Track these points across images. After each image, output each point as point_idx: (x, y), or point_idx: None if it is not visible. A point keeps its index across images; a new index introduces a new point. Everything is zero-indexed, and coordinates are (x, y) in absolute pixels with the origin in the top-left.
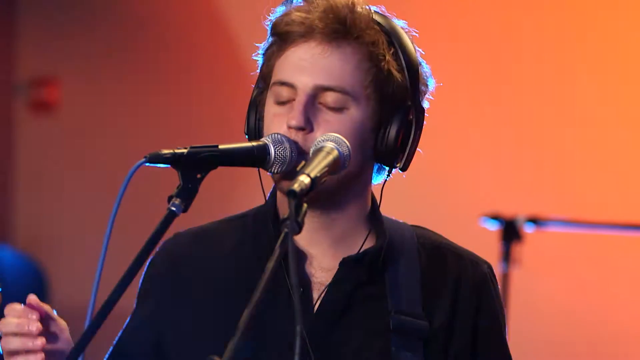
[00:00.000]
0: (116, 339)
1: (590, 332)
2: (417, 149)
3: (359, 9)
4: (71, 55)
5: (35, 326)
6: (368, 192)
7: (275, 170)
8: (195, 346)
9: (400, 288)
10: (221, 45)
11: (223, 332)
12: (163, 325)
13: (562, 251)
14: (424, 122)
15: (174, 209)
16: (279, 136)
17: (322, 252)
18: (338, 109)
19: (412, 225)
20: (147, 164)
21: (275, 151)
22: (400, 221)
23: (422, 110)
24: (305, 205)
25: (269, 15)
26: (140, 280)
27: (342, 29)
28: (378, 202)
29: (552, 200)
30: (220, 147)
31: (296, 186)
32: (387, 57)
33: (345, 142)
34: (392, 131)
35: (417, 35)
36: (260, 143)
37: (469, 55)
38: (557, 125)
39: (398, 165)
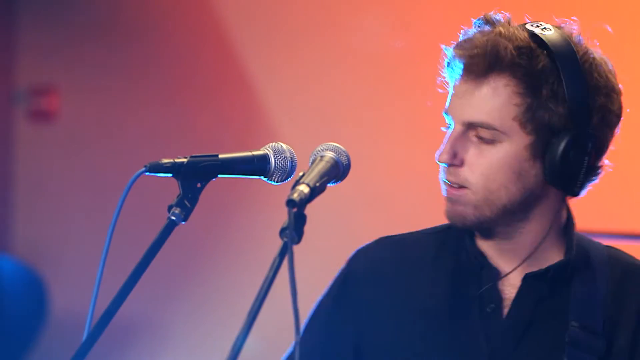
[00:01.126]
0: (303, 339)
1: None
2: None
3: (518, 36)
4: (70, 64)
5: None
6: (552, 211)
7: (276, 180)
8: (389, 353)
9: (583, 304)
10: (223, 54)
11: (415, 345)
12: (364, 327)
13: None
14: (605, 140)
15: (174, 218)
16: (279, 145)
17: (511, 268)
18: (490, 141)
19: (606, 246)
20: (147, 174)
21: (275, 161)
22: (595, 240)
23: (590, 135)
24: (304, 214)
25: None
26: (336, 280)
27: (493, 63)
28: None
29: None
30: (221, 156)
31: (295, 196)
32: (543, 90)
33: (344, 151)
34: (555, 158)
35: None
36: (260, 152)
37: None
38: None
39: (575, 189)
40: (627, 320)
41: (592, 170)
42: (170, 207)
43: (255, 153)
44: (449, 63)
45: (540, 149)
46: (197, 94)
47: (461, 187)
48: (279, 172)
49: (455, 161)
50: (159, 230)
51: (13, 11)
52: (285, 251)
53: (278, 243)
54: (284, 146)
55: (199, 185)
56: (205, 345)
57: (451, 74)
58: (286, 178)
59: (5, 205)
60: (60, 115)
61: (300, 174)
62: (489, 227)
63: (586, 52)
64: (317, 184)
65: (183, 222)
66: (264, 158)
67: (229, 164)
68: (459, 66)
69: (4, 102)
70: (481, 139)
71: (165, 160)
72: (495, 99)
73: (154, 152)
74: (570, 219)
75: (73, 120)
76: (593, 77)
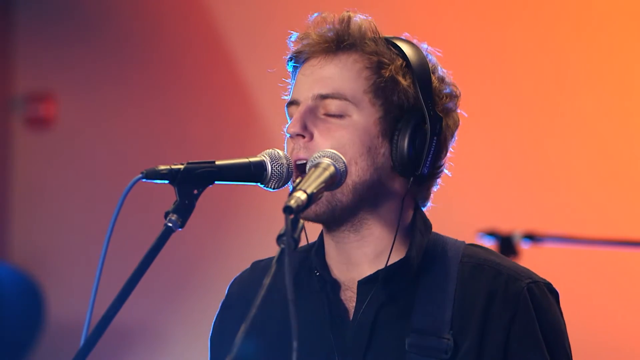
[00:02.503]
0: None
1: (587, 347)
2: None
3: (357, 20)
4: (67, 71)
5: None
6: (398, 207)
7: (272, 187)
8: None
9: (429, 307)
10: (219, 60)
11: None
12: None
13: (558, 267)
14: (447, 133)
15: (170, 224)
16: (276, 152)
17: (360, 273)
18: (339, 116)
19: (468, 244)
20: (144, 180)
21: (272, 167)
22: (454, 239)
23: (439, 118)
24: (301, 221)
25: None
26: (218, 310)
27: (337, 40)
28: (409, 215)
29: (548, 216)
30: (217, 163)
31: (292, 202)
32: (391, 66)
33: (341, 158)
34: (403, 138)
35: (439, 54)
36: (257, 159)
37: (464, 70)
38: (554, 141)
39: (416, 173)
40: (474, 320)
41: (437, 156)
42: (166, 214)
43: (251, 159)
44: (293, 55)
45: (389, 129)
46: (194, 100)
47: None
48: (275, 178)
49: (305, 133)
50: (155, 237)
51: (11, 19)
52: (282, 257)
53: (275, 249)
54: (281, 152)
55: (195, 191)
56: (202, 350)
57: (296, 63)
58: (282, 184)
59: (2, 212)
60: (58, 122)
61: (297, 180)
62: (340, 215)
63: (430, 60)
64: (314, 191)
65: (180, 229)
66: (261, 164)
67: (226, 171)
68: (305, 53)
69: (1, 109)
70: (330, 116)
71: (162, 167)
72: (345, 72)
73: (150, 159)
74: (417, 219)
75: (70, 127)
76: (437, 69)
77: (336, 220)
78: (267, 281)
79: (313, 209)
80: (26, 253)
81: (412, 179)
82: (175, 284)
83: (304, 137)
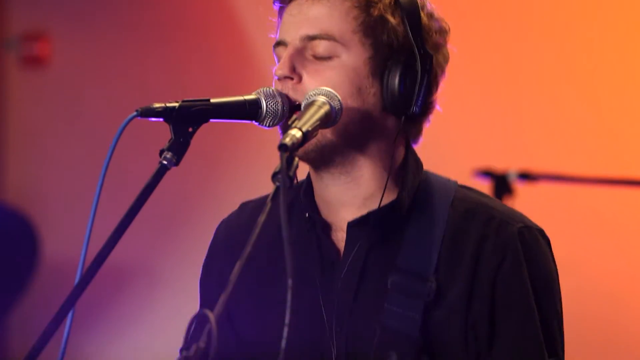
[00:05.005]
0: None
1: (580, 286)
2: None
3: None
4: (62, 10)
5: None
6: (389, 147)
7: (267, 124)
8: (246, 321)
9: (415, 248)
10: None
11: (265, 311)
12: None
13: (553, 206)
14: (437, 69)
15: (165, 162)
16: (270, 90)
17: (351, 214)
18: (327, 58)
19: (460, 185)
20: (139, 118)
21: (267, 105)
22: (447, 179)
23: (429, 55)
24: (296, 159)
25: None
26: (207, 253)
27: None
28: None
29: (543, 155)
30: (212, 100)
31: (287, 140)
32: (379, 4)
33: (336, 96)
34: (394, 77)
35: None
36: (252, 97)
37: (462, 9)
38: (549, 80)
39: (408, 112)
40: (464, 264)
41: (428, 93)
42: (161, 152)
43: (246, 97)
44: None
45: (379, 68)
46: (188, 39)
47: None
48: (270, 116)
49: (294, 75)
50: (150, 175)
51: None
52: (277, 195)
53: (270, 187)
54: (275, 90)
55: (190, 129)
56: (196, 289)
57: (282, 2)
58: (278, 122)
59: None
60: (52, 61)
61: (293, 118)
62: (329, 155)
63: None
64: (310, 129)
65: (175, 166)
66: (256, 102)
67: (221, 108)
68: None
69: None
70: (319, 58)
71: (157, 105)
72: (333, 11)
73: (146, 97)
74: (408, 158)
75: (65, 66)
76: (425, 5)
77: (325, 161)
78: (262, 219)
79: (301, 148)
80: (20, 192)
81: (403, 118)
82: (170, 222)
83: (292, 79)
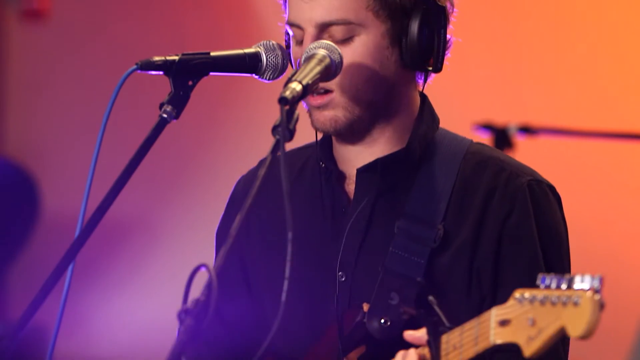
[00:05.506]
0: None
1: (580, 238)
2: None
3: None
4: None
5: None
6: (408, 104)
7: (268, 77)
8: (262, 271)
9: (424, 196)
10: None
11: (280, 261)
12: (244, 248)
13: (553, 159)
14: (448, 20)
15: (165, 116)
16: (271, 43)
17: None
18: (347, 40)
19: (475, 142)
20: (139, 71)
21: (267, 58)
22: (462, 137)
23: (441, 9)
24: (297, 112)
25: None
26: (225, 208)
27: None
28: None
29: (544, 109)
30: (212, 54)
31: (287, 93)
32: None
33: (336, 49)
34: (413, 38)
35: None
36: (252, 50)
37: None
38: (550, 33)
39: (430, 68)
40: (472, 212)
41: (445, 47)
42: (161, 105)
43: (247, 51)
44: None
45: (397, 34)
46: None
47: (327, 91)
48: (270, 69)
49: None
50: (150, 128)
51: None
52: (277, 148)
53: (271, 141)
54: (276, 44)
55: (190, 83)
56: (196, 243)
57: None
58: (278, 75)
59: None
60: (52, 14)
61: (293, 71)
62: (357, 128)
63: None
64: (310, 82)
65: (175, 120)
66: (256, 56)
67: (221, 62)
68: None
69: None
70: (337, 40)
71: (157, 58)
72: None
73: (146, 51)
74: (425, 112)
75: (65, 19)
76: None
77: (354, 133)
78: (261, 172)
79: (332, 125)
80: (21, 146)
81: (425, 74)
82: (170, 176)
83: None
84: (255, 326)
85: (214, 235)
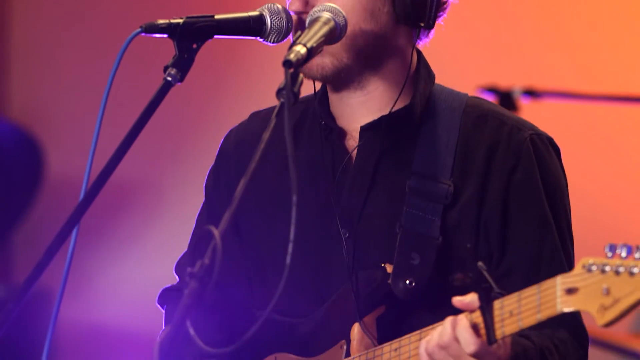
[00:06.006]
0: (192, 232)
1: (584, 202)
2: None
3: None
4: None
5: None
6: (402, 59)
7: (272, 40)
8: (255, 229)
9: (430, 153)
10: None
11: (274, 217)
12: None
13: (557, 123)
14: None
15: (169, 79)
16: (275, 6)
17: (367, 121)
18: None
19: (471, 96)
20: (143, 34)
21: (271, 21)
22: (457, 91)
23: None
24: (301, 75)
25: None
26: (211, 167)
27: None
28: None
29: (548, 72)
30: (217, 17)
31: (292, 56)
32: None
33: (341, 12)
34: None
35: None
36: (256, 13)
37: None
38: None
39: (422, 24)
40: (476, 167)
41: (439, 2)
42: (166, 68)
43: (251, 14)
44: None
45: None
46: None
47: None
48: (275, 32)
49: (307, 8)
50: (155, 91)
51: None
52: (282, 111)
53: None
54: (280, 7)
55: (194, 46)
56: (199, 206)
57: None
58: (282, 39)
59: (1, 67)
60: None
61: (297, 34)
62: (345, 77)
63: None
64: (314, 45)
65: (179, 83)
66: (260, 18)
67: (225, 24)
68: None
69: None
70: None
71: (161, 21)
72: None
73: (150, 14)
74: (422, 68)
75: None
76: None
77: (342, 81)
78: (266, 135)
79: (319, 70)
80: (25, 109)
81: (418, 30)
82: (174, 139)
83: (307, 13)
84: (246, 290)
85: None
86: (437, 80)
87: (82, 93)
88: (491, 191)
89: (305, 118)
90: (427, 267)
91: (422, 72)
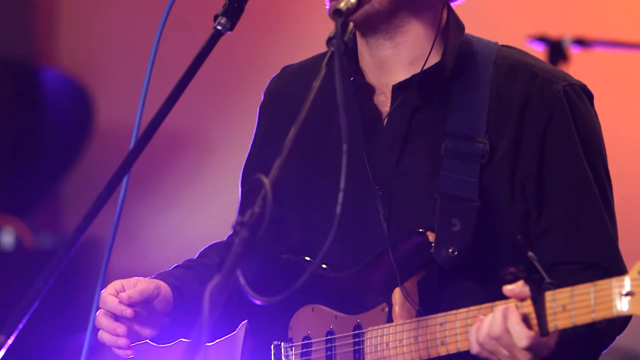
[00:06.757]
0: (242, 169)
1: (632, 150)
2: None
3: None
4: None
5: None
6: (432, 11)
7: None
8: (288, 177)
9: (464, 111)
10: None
11: (305, 170)
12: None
13: (607, 72)
14: None
15: (219, 28)
16: None
17: (395, 78)
18: None
19: (502, 46)
20: None
21: None
22: (488, 40)
23: None
24: (351, 24)
25: None
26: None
27: None
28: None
29: (598, 21)
30: None
31: (342, 5)
32: None
33: None
34: None
35: None
36: None
37: None
38: None
39: None
40: (510, 122)
41: None
42: (216, 17)
43: None
44: None
45: None
46: None
47: None
48: None
49: None
50: (204, 41)
51: None
52: (332, 61)
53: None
54: None
55: None
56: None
57: None
58: None
59: (49, 17)
60: None
61: None
62: (375, 23)
63: None
64: None
65: (229, 32)
66: None
67: None
68: None
69: None
70: None
71: None
72: None
73: None
74: (451, 22)
75: None
76: None
77: (371, 27)
78: (316, 84)
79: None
80: (75, 59)
81: None
82: (223, 89)
83: None
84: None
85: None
86: (485, 30)
87: (132, 43)
88: (526, 147)
89: (333, 77)
90: (468, 233)
91: (451, 26)
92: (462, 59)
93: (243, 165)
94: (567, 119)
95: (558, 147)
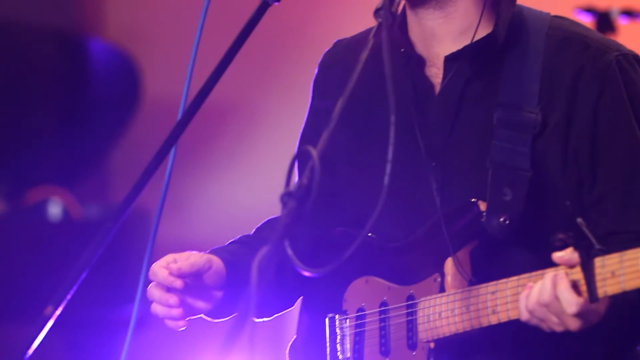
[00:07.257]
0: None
1: None
2: None
3: None
4: None
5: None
6: None
7: None
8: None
9: (516, 81)
10: None
11: (357, 138)
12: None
13: None
14: None
15: None
16: None
17: (445, 49)
18: None
19: (554, 16)
20: None
21: None
22: (539, 11)
23: None
24: None
25: None
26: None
27: None
28: None
29: None
30: None
31: None
32: None
33: None
34: None
35: None
36: None
37: None
38: None
39: None
40: (562, 93)
41: None
42: None
43: None
44: None
45: None
46: None
47: None
48: None
49: None
50: (251, 12)
51: None
52: (379, 32)
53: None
54: None
55: None
56: (297, 128)
57: None
58: None
59: None
60: None
61: None
62: None
63: None
64: None
65: (276, 3)
66: None
67: None
68: None
69: None
70: None
71: None
72: None
73: None
74: None
75: None
76: None
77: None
78: (364, 55)
79: None
80: (122, 30)
81: None
82: (271, 60)
83: None
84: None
85: None
86: (537, 2)
87: (179, 12)
88: (579, 118)
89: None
90: (520, 202)
91: None
92: (515, 30)
93: (299, 138)
94: (620, 89)
95: (611, 117)
